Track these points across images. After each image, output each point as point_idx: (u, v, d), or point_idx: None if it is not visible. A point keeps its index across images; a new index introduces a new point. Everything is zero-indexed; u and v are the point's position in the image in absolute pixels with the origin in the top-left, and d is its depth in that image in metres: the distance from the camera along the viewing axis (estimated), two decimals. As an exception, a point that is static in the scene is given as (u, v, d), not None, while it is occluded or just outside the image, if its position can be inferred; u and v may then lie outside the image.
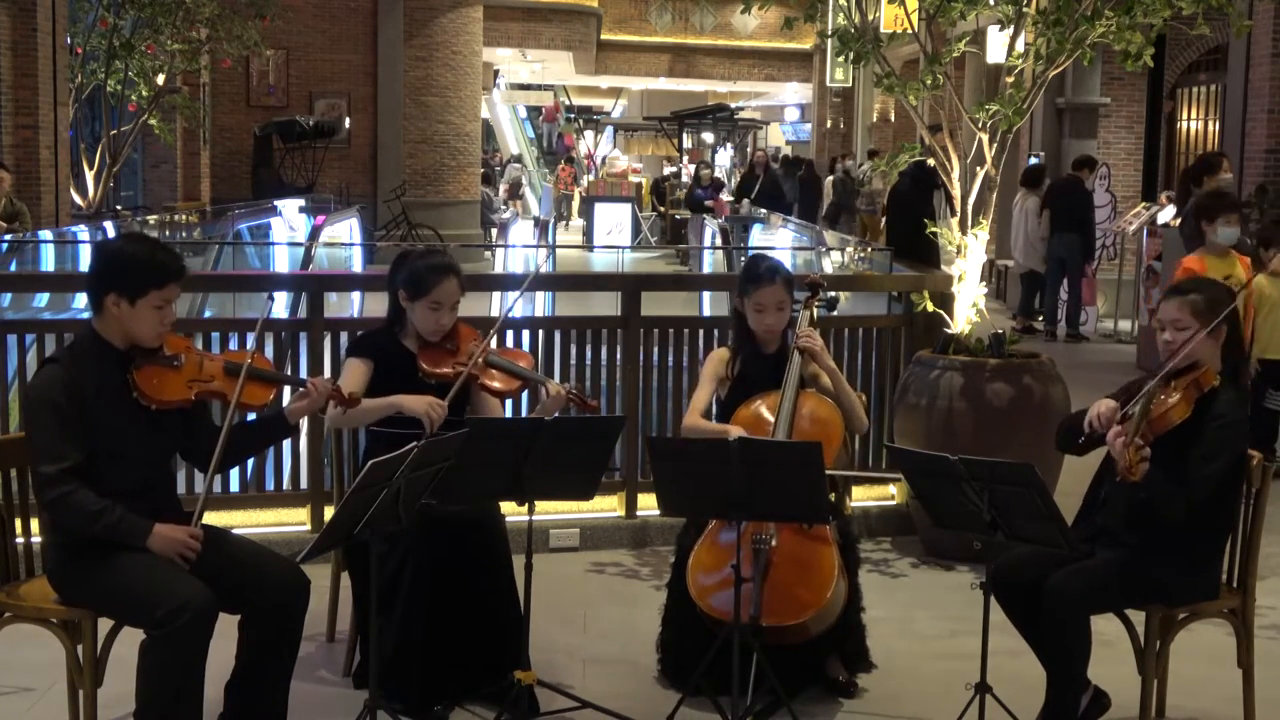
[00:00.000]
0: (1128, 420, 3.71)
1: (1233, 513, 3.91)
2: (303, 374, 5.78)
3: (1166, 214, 13.93)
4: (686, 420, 4.64)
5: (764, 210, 17.42)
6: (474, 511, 4.18)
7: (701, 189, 20.33)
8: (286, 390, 3.97)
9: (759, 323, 4.54)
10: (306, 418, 4.05)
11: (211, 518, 3.98)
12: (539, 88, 37.25)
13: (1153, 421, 3.70)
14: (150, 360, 3.63)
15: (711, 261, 13.85)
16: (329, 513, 4.54)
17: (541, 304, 7.68)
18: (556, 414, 4.24)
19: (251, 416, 4.02)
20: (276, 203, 15.00)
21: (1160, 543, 3.80)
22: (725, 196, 20.98)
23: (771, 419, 4.38)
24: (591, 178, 26.79)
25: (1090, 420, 3.84)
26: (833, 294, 4.96)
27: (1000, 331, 6.01)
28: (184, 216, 14.79)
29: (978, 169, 6.06)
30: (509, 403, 5.19)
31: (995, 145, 6.04)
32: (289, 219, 14.39)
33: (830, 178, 22.84)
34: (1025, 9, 6.02)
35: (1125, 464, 3.55)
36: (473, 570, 4.16)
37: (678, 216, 23.02)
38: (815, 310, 4.72)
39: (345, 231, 14.90)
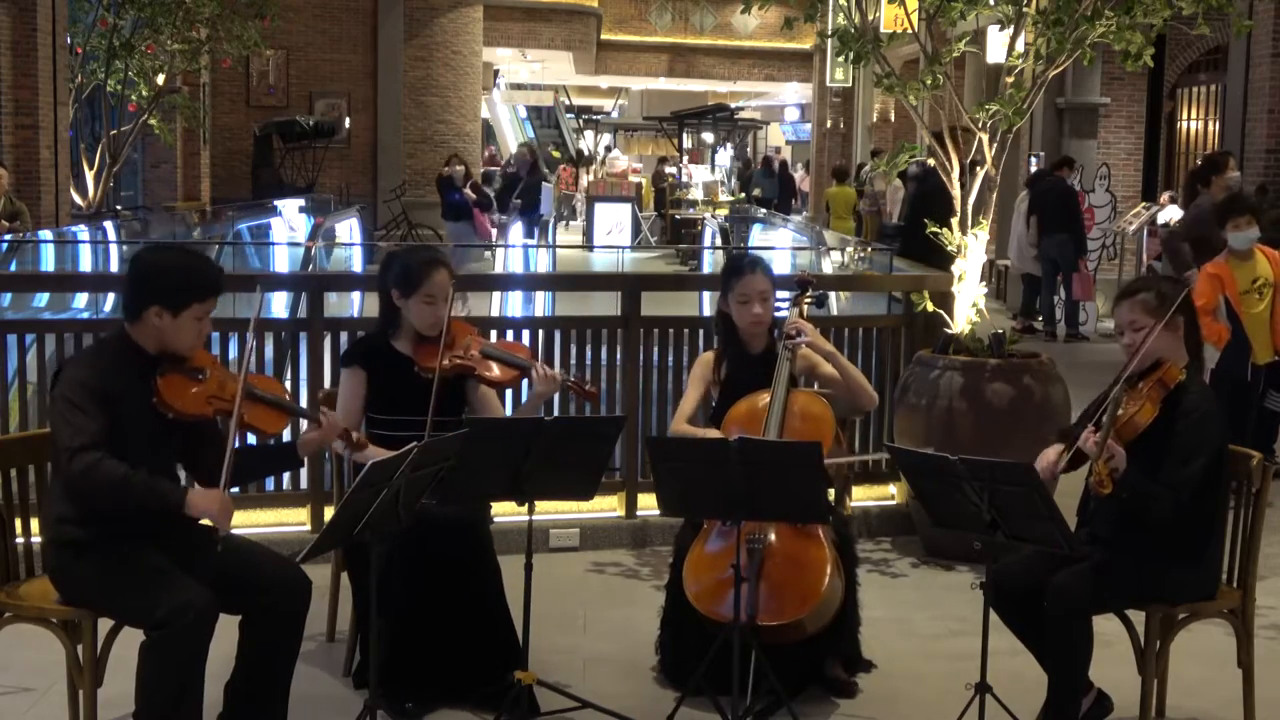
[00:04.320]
0: (1099, 429, 3.71)
1: (1220, 501, 3.91)
2: (303, 374, 5.79)
3: (1166, 214, 13.94)
4: (673, 428, 4.66)
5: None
6: (459, 513, 4.15)
7: (456, 192, 15.41)
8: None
9: (745, 315, 4.54)
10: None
11: (211, 518, 3.97)
12: (539, 88, 37.23)
13: (1120, 429, 3.70)
14: (177, 370, 3.63)
15: (713, 262, 13.83)
16: (329, 513, 4.54)
17: (541, 304, 7.68)
18: (556, 411, 4.24)
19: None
20: (276, 203, 15.02)
21: (1157, 541, 3.80)
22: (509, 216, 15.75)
23: (762, 418, 4.38)
24: (591, 178, 26.78)
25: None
26: (821, 291, 4.94)
27: (1000, 331, 6.01)
28: (195, 215, 14.83)
29: (978, 169, 6.05)
30: (509, 395, 5.20)
31: (995, 145, 6.04)
32: (289, 219, 14.40)
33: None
34: (1025, 9, 6.02)
35: (1096, 478, 3.59)
36: (459, 573, 4.15)
37: (678, 217, 23.03)
38: (805, 307, 4.72)
39: (345, 231, 14.90)
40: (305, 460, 4.02)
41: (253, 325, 4.33)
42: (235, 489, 5.70)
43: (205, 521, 3.82)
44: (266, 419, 3.71)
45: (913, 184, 12.70)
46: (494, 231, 15.24)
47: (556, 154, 35.48)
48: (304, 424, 3.88)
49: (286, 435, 4.03)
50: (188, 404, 3.60)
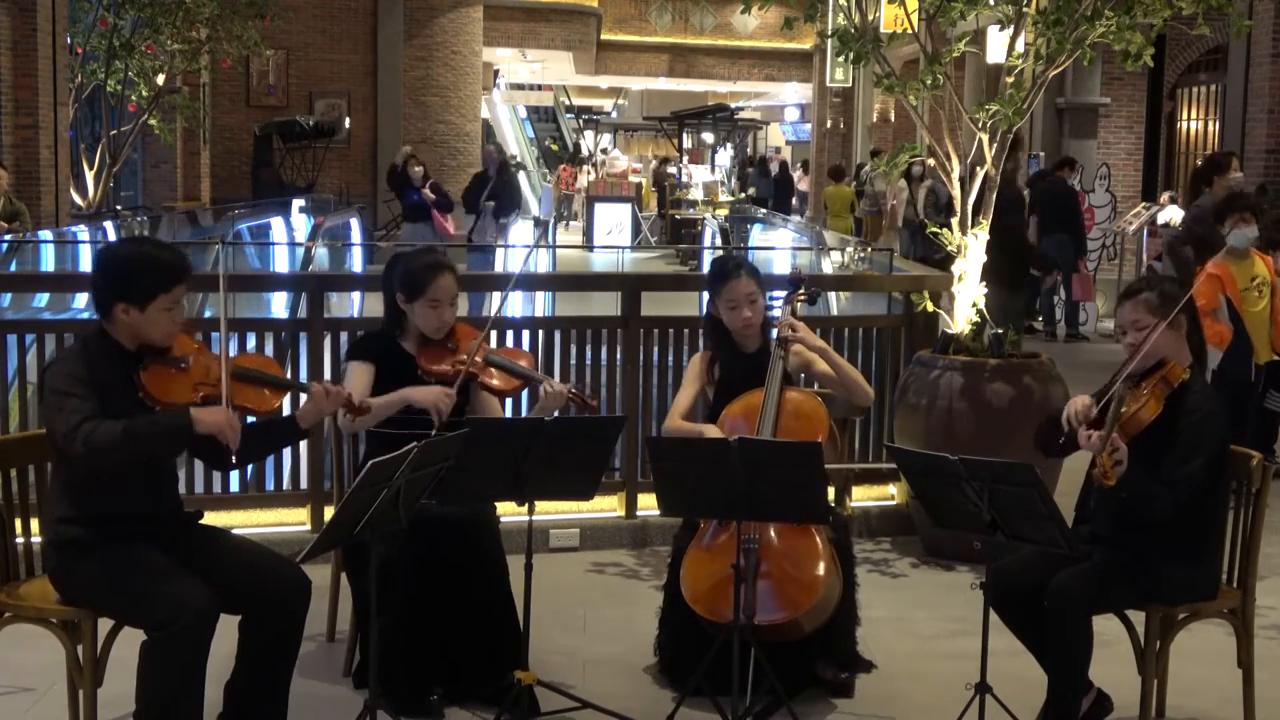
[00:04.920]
0: (1101, 423, 3.71)
1: (1221, 502, 3.91)
2: (303, 375, 5.78)
3: (1166, 214, 13.95)
4: (667, 423, 4.66)
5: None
6: (468, 513, 4.16)
7: (415, 192, 14.39)
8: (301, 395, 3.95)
9: (735, 320, 4.55)
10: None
11: (212, 518, 3.97)
12: (539, 88, 37.24)
13: (1124, 424, 3.70)
14: (158, 361, 3.61)
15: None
16: (329, 513, 4.53)
17: (541, 304, 7.68)
18: (556, 413, 4.24)
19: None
20: (276, 203, 15.03)
21: (1157, 541, 3.80)
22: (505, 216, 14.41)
23: (756, 418, 4.38)
24: (590, 178, 26.78)
25: (1067, 417, 3.85)
26: (814, 289, 4.95)
27: (1000, 331, 6.01)
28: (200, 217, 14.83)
29: (978, 169, 6.05)
30: (509, 403, 5.19)
31: (995, 145, 6.03)
32: (289, 219, 14.41)
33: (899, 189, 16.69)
34: (1025, 9, 6.01)
35: (1100, 470, 3.58)
36: (466, 572, 4.15)
37: (678, 217, 23.04)
38: (799, 305, 4.72)
39: (345, 231, 14.92)
40: (309, 432, 4.00)
41: (222, 302, 4.18)
42: (237, 477, 5.78)
43: (207, 521, 3.83)
44: (258, 398, 3.70)
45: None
46: (452, 229, 14.75)
47: (555, 147, 35.43)
48: (304, 397, 3.88)
49: (287, 408, 4.01)
50: (174, 395, 3.58)
